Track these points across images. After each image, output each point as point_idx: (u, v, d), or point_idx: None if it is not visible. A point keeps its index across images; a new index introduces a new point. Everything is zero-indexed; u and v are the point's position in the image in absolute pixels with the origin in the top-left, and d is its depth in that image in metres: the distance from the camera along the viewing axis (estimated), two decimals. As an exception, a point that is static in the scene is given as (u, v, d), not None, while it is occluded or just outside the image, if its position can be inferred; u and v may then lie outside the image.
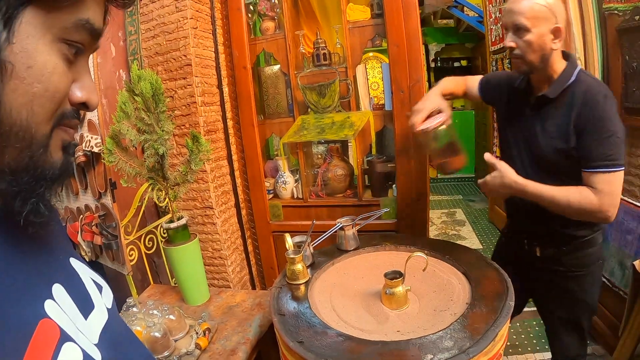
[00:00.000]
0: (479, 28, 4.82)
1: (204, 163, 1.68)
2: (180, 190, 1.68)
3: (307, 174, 2.22)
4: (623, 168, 1.26)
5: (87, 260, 1.98)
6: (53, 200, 0.49)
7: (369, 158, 2.13)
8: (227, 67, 2.11)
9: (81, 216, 1.95)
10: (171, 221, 1.71)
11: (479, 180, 1.47)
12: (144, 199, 1.93)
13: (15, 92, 0.41)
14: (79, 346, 0.47)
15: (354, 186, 2.18)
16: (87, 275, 0.59)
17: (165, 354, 1.48)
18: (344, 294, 1.46)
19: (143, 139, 1.59)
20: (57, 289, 0.49)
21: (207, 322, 1.61)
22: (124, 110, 1.58)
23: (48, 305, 0.46)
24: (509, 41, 1.31)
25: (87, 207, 1.94)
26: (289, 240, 1.60)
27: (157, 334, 1.47)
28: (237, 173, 2.18)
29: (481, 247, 3.74)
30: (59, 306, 0.48)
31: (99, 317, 0.56)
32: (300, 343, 1.16)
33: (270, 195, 2.30)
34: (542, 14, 1.25)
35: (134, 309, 1.65)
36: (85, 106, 0.49)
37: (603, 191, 1.26)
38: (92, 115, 1.75)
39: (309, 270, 1.59)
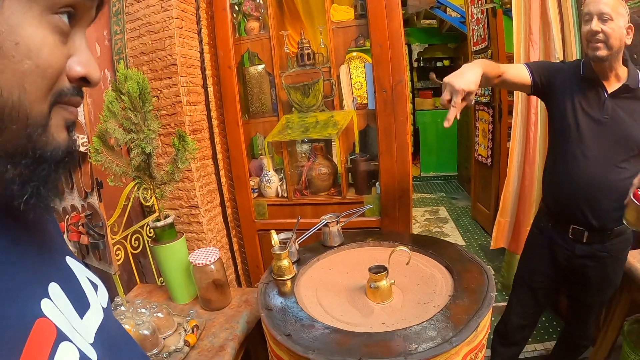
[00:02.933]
0: (461, 28, 4.91)
1: (189, 162, 1.71)
2: (167, 189, 1.70)
3: (291, 172, 2.26)
4: None
5: (73, 260, 1.99)
6: (58, 184, 0.47)
7: (353, 157, 2.18)
8: (212, 66, 2.14)
9: (67, 216, 1.95)
10: (158, 220, 1.73)
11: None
12: (130, 198, 1.95)
13: (4, 71, 0.39)
14: (76, 346, 0.47)
15: (337, 184, 2.23)
16: (82, 274, 0.59)
17: (155, 351, 1.50)
18: (330, 288, 1.50)
19: (130, 138, 1.61)
20: (54, 288, 0.49)
21: (195, 319, 1.64)
22: (111, 109, 1.60)
23: (44, 304, 0.46)
24: (595, 26, 1.43)
25: (73, 207, 1.94)
26: (275, 237, 1.63)
27: (146, 332, 1.50)
28: (222, 172, 2.21)
29: (464, 243, 3.82)
30: (55, 305, 0.48)
31: (95, 316, 0.56)
32: (288, 336, 1.19)
33: (255, 194, 2.34)
34: (621, 10, 1.44)
35: (122, 308, 1.67)
36: (86, 81, 0.47)
37: None
38: (78, 115, 1.77)
39: (294, 266, 1.63)
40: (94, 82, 0.48)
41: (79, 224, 1.86)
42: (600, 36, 1.44)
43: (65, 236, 1.94)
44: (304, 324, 1.26)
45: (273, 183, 2.26)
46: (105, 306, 0.60)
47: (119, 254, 1.89)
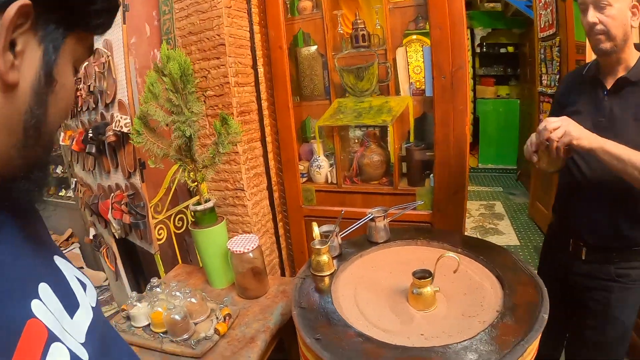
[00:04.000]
0: (527, 13, 4.51)
1: (234, 145, 1.64)
2: (209, 173, 1.65)
3: (342, 158, 2.14)
4: None
5: (117, 237, 2.01)
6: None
7: (407, 145, 2.03)
8: (263, 47, 2.05)
9: (112, 194, 1.97)
10: (198, 203, 1.69)
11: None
12: (175, 179, 1.92)
13: (54, 106, 0.49)
14: (66, 346, 0.48)
15: (389, 174, 2.09)
16: (71, 273, 0.60)
17: (184, 336, 1.47)
18: (370, 289, 1.40)
19: (171, 120, 1.57)
20: (44, 288, 0.50)
21: (229, 307, 1.58)
22: (152, 90, 1.56)
23: (35, 305, 0.47)
24: (591, 17, 1.24)
25: (117, 185, 1.95)
26: (316, 230, 1.54)
27: (177, 317, 1.46)
28: (270, 155, 2.14)
29: (519, 243, 3.57)
30: (46, 306, 0.49)
31: (85, 315, 0.57)
32: (318, 340, 1.11)
33: (304, 179, 2.25)
34: None
35: (157, 289, 1.66)
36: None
37: None
38: (122, 95, 1.74)
39: (335, 261, 1.53)
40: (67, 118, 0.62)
41: (122, 202, 1.86)
42: (599, 27, 1.24)
43: (109, 213, 1.95)
44: (336, 329, 1.16)
45: (323, 169, 2.16)
46: (94, 305, 0.61)
47: (161, 233, 1.88)
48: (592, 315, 1.45)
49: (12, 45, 0.44)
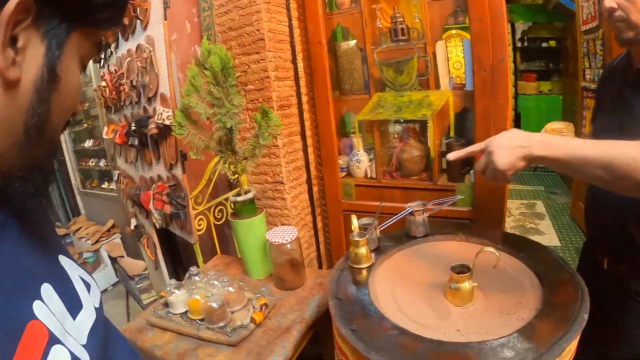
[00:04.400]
0: (569, 5, 4.31)
1: (274, 138, 1.66)
2: (249, 165, 1.67)
3: (382, 153, 2.13)
4: None
5: (158, 227, 2.06)
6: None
7: (447, 140, 2.00)
8: (302, 42, 2.06)
9: (154, 185, 2.02)
10: (238, 194, 1.71)
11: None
12: (215, 171, 1.96)
13: (56, 102, 0.48)
14: (67, 349, 0.48)
15: (429, 169, 2.06)
16: (75, 273, 0.59)
17: (221, 324, 1.49)
18: (407, 283, 1.37)
19: (212, 112, 1.59)
20: (46, 289, 0.49)
21: (266, 297, 1.60)
22: (194, 84, 1.59)
23: (36, 306, 0.46)
24: (609, 1, 1.06)
25: (159, 177, 2.00)
26: (355, 222, 1.53)
27: (214, 305, 1.48)
28: (310, 149, 2.14)
29: (559, 244, 3.44)
30: (48, 307, 0.48)
31: (88, 316, 0.56)
32: (353, 331, 1.09)
33: (343, 174, 2.24)
34: None
35: (196, 278, 1.69)
36: (74, 115, 0.55)
37: None
38: (164, 89, 1.78)
39: (373, 254, 1.52)
40: (77, 116, 0.63)
41: (163, 193, 1.90)
42: (618, 13, 1.06)
43: (150, 204, 2.00)
44: (372, 320, 1.14)
45: (362, 163, 2.15)
46: (97, 306, 0.61)
47: (201, 224, 1.91)
48: (603, 329, 1.30)
49: (13, 41, 0.43)
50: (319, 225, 2.29)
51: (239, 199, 1.68)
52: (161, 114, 1.74)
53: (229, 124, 1.56)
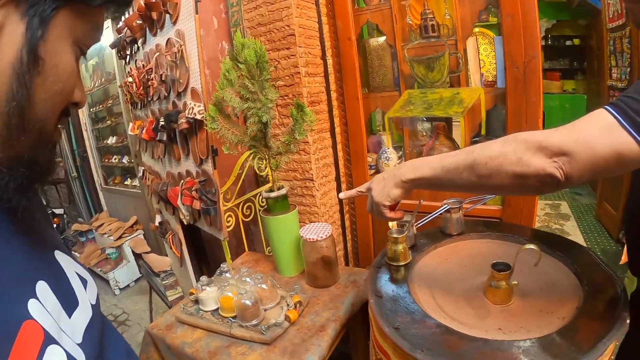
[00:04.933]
0: (594, 3, 4.12)
1: (307, 133, 1.56)
2: (282, 160, 1.58)
3: (409, 151, 2.03)
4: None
5: (186, 223, 1.96)
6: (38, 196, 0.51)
7: (476, 139, 1.90)
8: (331, 38, 1.97)
9: (182, 181, 1.92)
10: (271, 190, 1.62)
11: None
12: (245, 167, 1.86)
13: (40, 87, 0.42)
14: (63, 348, 0.45)
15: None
16: (71, 269, 0.56)
17: (254, 322, 1.42)
18: (445, 281, 1.29)
19: (246, 106, 1.50)
20: (41, 287, 0.47)
21: (299, 295, 1.51)
22: (228, 77, 1.50)
23: (32, 305, 0.43)
24: None
25: (188, 172, 1.90)
26: (394, 219, 1.44)
27: (247, 302, 1.40)
28: (339, 146, 2.05)
29: (585, 245, 3.29)
30: (43, 306, 0.45)
31: (84, 314, 0.53)
32: (396, 329, 1.02)
33: (372, 171, 2.16)
34: None
35: (227, 275, 1.60)
36: (76, 105, 0.50)
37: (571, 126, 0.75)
38: (195, 84, 1.69)
39: (409, 252, 1.42)
40: (81, 106, 0.51)
41: (193, 189, 1.80)
42: None
43: (179, 200, 1.90)
44: (414, 318, 1.07)
45: (391, 160, 2.05)
46: (94, 302, 0.58)
47: (230, 220, 1.81)
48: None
49: None
50: (347, 223, 2.19)
51: (272, 194, 1.59)
52: (192, 108, 1.64)
53: (264, 118, 1.46)
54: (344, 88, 2.01)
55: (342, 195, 1.23)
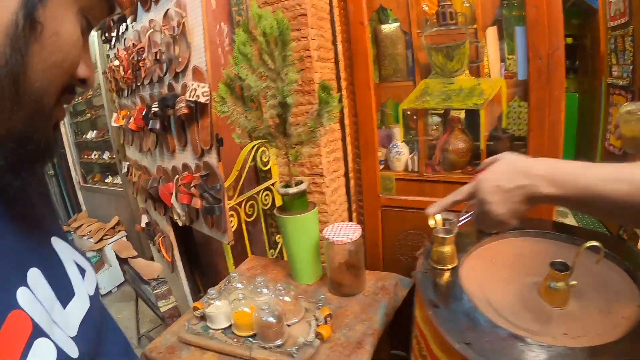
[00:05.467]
0: (591, 2, 3.90)
1: (335, 120, 1.22)
2: (305, 150, 1.22)
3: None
4: None
5: (181, 224, 1.56)
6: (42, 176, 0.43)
7: (496, 133, 1.63)
8: (341, 22, 1.65)
9: (177, 176, 1.52)
10: (287, 186, 1.27)
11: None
12: (247, 160, 1.49)
13: (38, 56, 0.35)
14: (53, 342, 0.38)
15: (474, 162, 1.68)
16: (69, 257, 0.48)
17: (278, 342, 1.07)
18: (495, 285, 1.04)
19: (265, 86, 1.14)
20: (33, 275, 0.39)
21: (326, 306, 1.16)
22: (243, 52, 1.14)
23: (21, 293, 0.36)
24: None
25: (185, 166, 1.51)
26: (438, 216, 1.13)
27: (271, 319, 1.07)
28: (348, 139, 1.71)
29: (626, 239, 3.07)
30: (34, 295, 0.38)
31: (80, 305, 0.45)
32: (468, 345, 0.79)
33: (381, 167, 1.84)
34: None
35: (238, 285, 1.23)
36: (83, 83, 0.42)
37: None
38: (198, 62, 1.32)
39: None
40: (90, 85, 0.44)
41: (192, 185, 1.41)
42: None
43: (172, 198, 1.50)
44: (483, 330, 0.84)
45: (403, 155, 1.75)
46: (92, 294, 0.49)
47: (232, 221, 1.44)
48: None
49: None
50: (354, 222, 1.85)
51: (291, 190, 1.23)
52: (195, 89, 1.27)
53: (290, 100, 1.11)
54: (354, 76, 1.68)
55: (431, 210, 0.95)
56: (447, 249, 1.10)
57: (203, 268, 1.91)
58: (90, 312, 0.46)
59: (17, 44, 0.33)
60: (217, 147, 1.33)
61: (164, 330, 1.26)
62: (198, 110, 1.36)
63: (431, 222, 1.20)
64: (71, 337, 0.41)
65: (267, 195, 1.66)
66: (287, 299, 1.16)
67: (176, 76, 1.42)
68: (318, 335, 1.09)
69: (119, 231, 3.03)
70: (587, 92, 3.78)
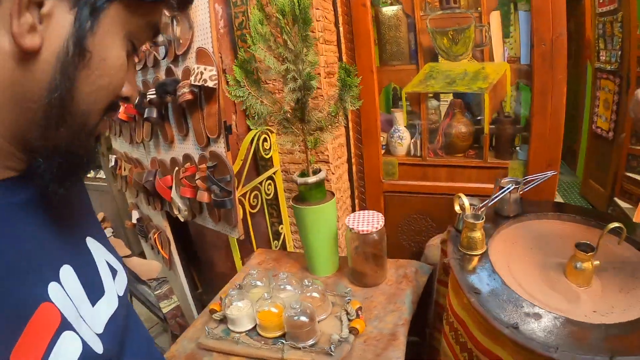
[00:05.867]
0: None
1: (360, 104, 1.10)
2: (326, 137, 1.10)
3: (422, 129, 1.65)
4: None
5: (182, 220, 1.40)
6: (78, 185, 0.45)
7: (498, 116, 1.58)
8: (342, 3, 1.53)
9: (176, 169, 1.35)
10: (303, 174, 1.15)
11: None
12: (250, 149, 1.35)
13: (86, 80, 0.36)
14: (80, 336, 0.38)
15: (475, 146, 1.62)
16: (102, 257, 0.48)
17: (310, 342, 0.96)
18: (521, 267, 1.02)
19: (285, 68, 1.01)
20: (66, 271, 0.40)
21: (355, 299, 1.07)
22: (260, 31, 0.99)
23: (52, 288, 0.37)
24: None
25: (186, 157, 1.34)
26: (466, 202, 1.06)
27: (304, 319, 0.97)
28: (350, 125, 1.59)
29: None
30: (64, 290, 0.39)
31: (108, 304, 0.46)
32: (516, 329, 0.77)
33: (382, 151, 1.73)
34: None
35: (258, 283, 1.10)
36: (126, 99, 0.44)
37: None
38: (203, 43, 1.15)
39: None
40: (133, 101, 0.47)
41: (197, 177, 1.25)
42: None
43: (172, 192, 1.34)
44: (526, 312, 0.82)
45: (405, 140, 1.65)
46: (121, 294, 0.49)
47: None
48: None
49: (39, 5, 0.32)
50: (356, 208, 1.75)
51: (310, 180, 1.11)
52: (201, 73, 1.11)
53: (314, 83, 0.98)
54: (356, 59, 1.56)
55: None
56: (478, 234, 1.04)
57: (200, 264, 1.74)
58: (118, 312, 0.47)
59: (66, 71, 0.34)
60: (225, 135, 1.18)
61: (166, 332, 1.12)
62: (203, 95, 1.19)
63: (457, 208, 1.13)
64: (97, 334, 0.41)
65: (269, 184, 1.53)
66: (315, 294, 1.05)
67: (175, 59, 1.24)
68: (352, 330, 0.99)
69: (106, 228, 2.74)
70: (571, 76, 3.86)
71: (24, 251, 0.36)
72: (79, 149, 0.38)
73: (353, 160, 1.69)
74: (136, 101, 1.35)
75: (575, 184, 3.67)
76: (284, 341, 0.97)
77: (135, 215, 1.74)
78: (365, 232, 1.09)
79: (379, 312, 1.08)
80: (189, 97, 1.17)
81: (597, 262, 0.93)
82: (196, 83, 1.14)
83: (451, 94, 1.59)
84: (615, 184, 2.37)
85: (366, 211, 1.17)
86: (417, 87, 1.52)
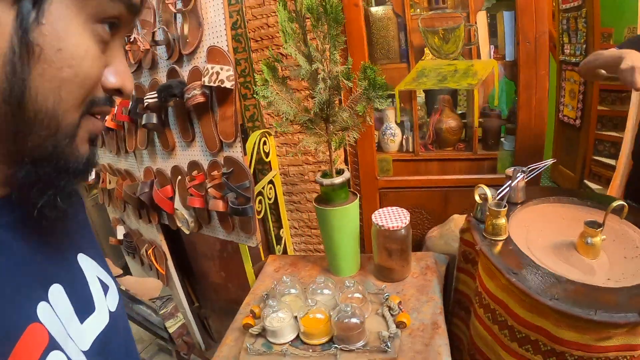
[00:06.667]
0: None
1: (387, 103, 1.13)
2: (352, 135, 1.11)
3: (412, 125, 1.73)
4: None
5: (188, 232, 1.33)
6: (73, 194, 0.39)
7: (486, 111, 1.70)
8: (336, 3, 1.52)
9: (179, 178, 1.28)
10: (325, 175, 1.15)
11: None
12: (254, 152, 1.32)
13: (42, 76, 0.32)
14: (66, 355, 0.37)
15: (464, 139, 1.73)
16: (93, 273, 0.48)
17: (361, 343, 0.98)
18: (538, 248, 1.12)
19: (315, 68, 1.01)
20: (55, 290, 0.40)
21: (393, 294, 1.11)
22: (288, 30, 0.99)
23: (41, 308, 0.37)
24: None
25: (193, 164, 1.27)
26: (488, 191, 1.13)
27: (355, 320, 0.98)
28: (344, 124, 1.62)
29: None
30: (53, 309, 0.38)
31: (98, 321, 0.45)
32: (557, 300, 0.87)
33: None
34: None
35: (292, 291, 1.09)
36: (119, 92, 0.39)
37: None
38: (217, 40, 1.11)
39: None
40: (127, 94, 0.40)
41: (208, 186, 1.20)
42: None
43: (176, 203, 1.28)
44: (563, 286, 0.91)
45: (397, 137, 1.71)
46: (113, 310, 0.49)
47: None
48: None
49: None
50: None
51: (337, 180, 1.12)
52: (217, 73, 1.07)
53: (349, 84, 1.00)
54: (348, 59, 1.58)
55: None
56: (502, 220, 1.12)
57: (195, 275, 1.65)
58: (109, 328, 0.46)
59: (16, 70, 0.31)
60: (242, 139, 1.14)
61: (163, 352, 1.06)
62: (215, 97, 1.14)
63: (477, 197, 1.21)
64: (83, 351, 0.41)
65: (270, 188, 1.50)
66: (357, 295, 1.06)
67: (180, 59, 1.18)
68: (400, 324, 1.02)
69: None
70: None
71: (13, 272, 0.35)
72: (63, 154, 0.36)
73: (349, 158, 1.73)
74: (130, 105, 1.25)
75: (545, 170, 3.99)
76: (336, 345, 0.97)
77: (121, 230, 1.61)
78: (395, 229, 1.12)
79: (414, 304, 1.12)
80: (200, 99, 1.12)
81: (603, 237, 1.04)
82: (211, 84, 1.09)
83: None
84: (584, 168, 2.62)
85: (389, 208, 1.20)
86: (410, 84, 1.59)
